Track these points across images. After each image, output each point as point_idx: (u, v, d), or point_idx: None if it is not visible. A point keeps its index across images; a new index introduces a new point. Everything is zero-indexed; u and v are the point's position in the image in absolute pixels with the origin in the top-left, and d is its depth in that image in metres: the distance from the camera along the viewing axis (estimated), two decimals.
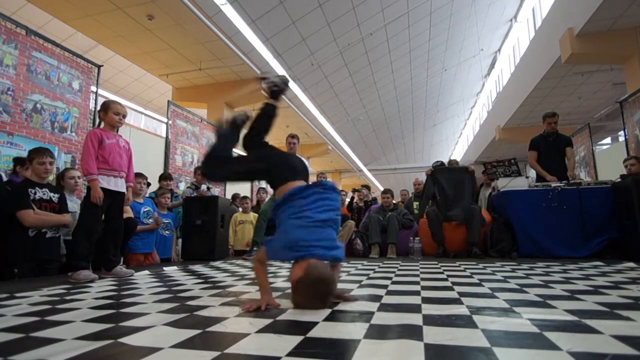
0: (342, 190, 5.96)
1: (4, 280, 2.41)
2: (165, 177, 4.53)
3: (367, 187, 5.80)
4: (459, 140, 24.55)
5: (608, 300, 1.37)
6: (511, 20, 12.01)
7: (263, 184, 8.16)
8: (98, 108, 3.06)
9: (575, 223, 3.56)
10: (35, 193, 2.62)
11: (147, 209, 3.68)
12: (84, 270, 2.28)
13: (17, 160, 3.03)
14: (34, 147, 2.83)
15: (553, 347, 0.84)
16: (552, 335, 0.92)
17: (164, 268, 3.00)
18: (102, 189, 2.43)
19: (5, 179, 3.03)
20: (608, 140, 13.51)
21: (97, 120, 2.66)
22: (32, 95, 3.61)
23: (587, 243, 3.51)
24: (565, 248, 3.52)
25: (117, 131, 2.71)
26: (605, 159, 6.60)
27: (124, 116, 2.63)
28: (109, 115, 2.55)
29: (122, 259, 3.26)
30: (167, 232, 3.96)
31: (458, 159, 7.25)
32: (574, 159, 4.47)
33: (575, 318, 1.10)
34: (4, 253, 2.49)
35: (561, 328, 1.00)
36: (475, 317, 1.12)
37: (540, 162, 4.17)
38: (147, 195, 3.99)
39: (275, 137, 14.10)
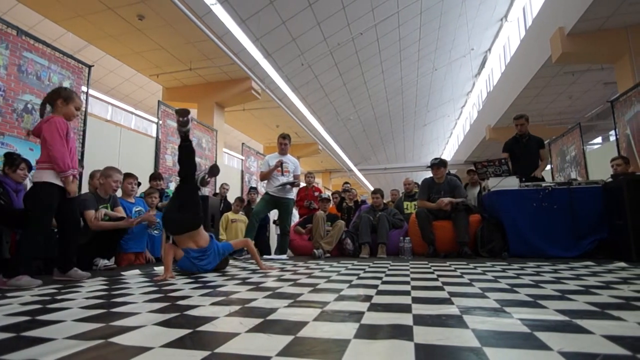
0: (335, 192, 5.99)
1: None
2: (155, 177, 4.51)
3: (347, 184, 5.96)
4: (449, 140, 24.74)
5: (599, 300, 1.37)
6: (502, 20, 12.11)
7: (254, 183, 8.15)
8: (83, 107, 2.97)
9: (566, 223, 3.57)
10: None
11: (138, 209, 3.66)
12: (25, 276, 2.05)
13: (6, 161, 2.99)
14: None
15: (544, 347, 0.83)
16: (542, 335, 0.92)
17: (155, 268, 2.99)
18: (56, 186, 2.23)
19: None
20: (599, 139, 13.65)
21: (48, 107, 2.36)
22: (23, 96, 3.60)
23: (578, 243, 3.51)
24: (556, 248, 3.52)
25: None
26: (596, 159, 6.61)
27: (79, 112, 2.49)
28: (70, 108, 2.34)
29: (113, 258, 3.25)
30: (156, 231, 3.94)
31: (448, 159, 7.30)
32: (547, 161, 4.54)
33: (566, 318, 1.10)
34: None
35: (552, 328, 0.99)
36: (466, 317, 1.12)
37: (513, 164, 4.24)
38: (137, 195, 3.97)
39: (266, 138, 14.19)
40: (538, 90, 9.70)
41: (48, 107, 2.34)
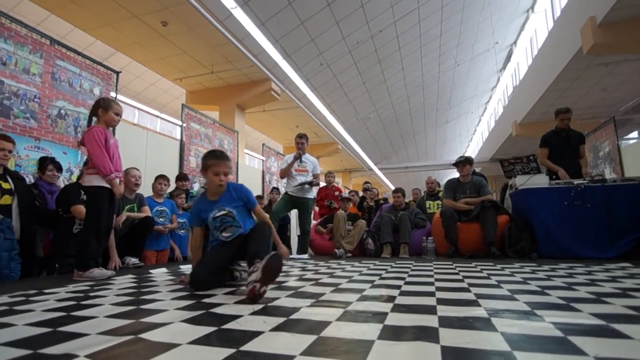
0: (352, 191, 5.96)
1: (48, 275, 2.61)
2: (181, 177, 4.63)
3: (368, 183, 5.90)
4: (472, 137, 24.13)
5: (637, 304, 1.30)
6: (528, 11, 11.67)
7: (275, 183, 8.22)
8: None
9: (600, 222, 3.38)
10: (82, 194, 2.82)
11: (161, 209, 3.77)
12: (97, 269, 2.34)
13: (39, 165, 3.16)
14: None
15: (579, 352, 0.80)
16: (577, 340, 0.87)
17: (181, 266, 3.07)
18: (105, 188, 2.44)
19: (32, 181, 3.18)
20: (635, 134, 12.93)
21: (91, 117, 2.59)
22: (56, 102, 3.77)
23: (613, 243, 3.32)
24: (589, 249, 3.35)
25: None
26: (632, 154, 6.22)
27: (121, 116, 2.63)
28: (109, 114, 2.52)
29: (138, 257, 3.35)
30: (182, 231, 4.04)
31: (473, 156, 7.11)
32: (587, 157, 4.31)
33: (602, 322, 1.05)
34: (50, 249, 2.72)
35: (587, 332, 0.94)
36: (494, 320, 1.09)
37: (551, 160, 4.02)
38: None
39: (285, 138, 14.29)
40: (569, 84, 9.29)
41: (94, 119, 2.55)
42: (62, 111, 3.81)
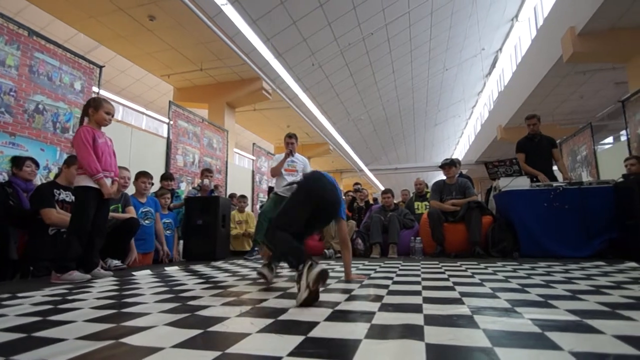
0: (348, 191, 5.98)
1: (21, 278, 2.51)
2: (166, 177, 4.54)
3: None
4: (460, 140, 24.54)
5: (610, 300, 1.37)
6: (512, 20, 11.98)
7: (265, 183, 8.17)
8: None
9: (577, 223, 3.55)
10: (59, 194, 2.74)
11: (146, 210, 3.68)
12: (76, 271, 2.28)
13: (13, 161, 3.02)
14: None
15: (555, 347, 0.84)
16: (554, 336, 0.92)
17: (165, 268, 3.01)
18: (93, 189, 2.40)
19: (5, 179, 3.03)
20: (610, 139, 13.45)
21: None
22: (34, 96, 3.61)
23: (589, 243, 3.49)
24: (567, 248, 3.50)
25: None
26: (607, 159, 6.52)
27: (113, 116, 2.60)
28: (100, 113, 2.49)
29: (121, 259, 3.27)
30: (167, 231, 3.98)
31: (460, 158, 7.23)
32: (563, 161, 4.49)
33: (577, 318, 1.10)
34: (24, 252, 2.60)
35: (563, 328, 0.99)
36: (477, 317, 1.12)
37: (527, 164, 4.21)
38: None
39: (277, 138, 14.23)
40: (549, 90, 9.60)
41: (86, 120, 2.52)
42: (40, 106, 3.64)
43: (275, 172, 4.31)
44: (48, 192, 2.74)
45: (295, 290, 1.69)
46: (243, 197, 5.60)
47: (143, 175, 3.72)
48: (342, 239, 2.12)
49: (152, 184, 3.90)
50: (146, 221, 3.62)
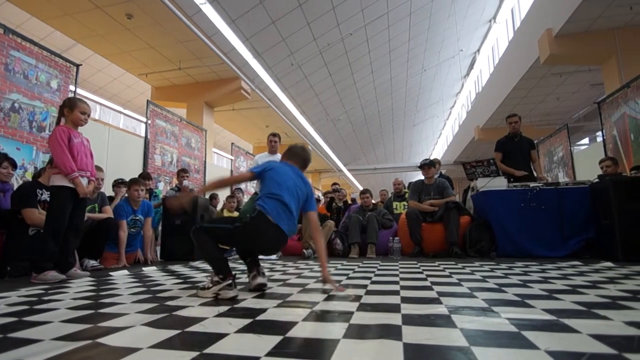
0: (327, 192, 6.01)
1: None
2: (143, 177, 4.45)
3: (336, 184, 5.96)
4: (438, 141, 24.91)
5: (586, 300, 1.39)
6: (490, 21, 12.21)
7: (242, 185, 8.11)
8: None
9: (553, 223, 3.59)
10: (42, 194, 2.71)
11: (137, 218, 3.63)
12: (51, 271, 2.26)
13: None
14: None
15: (531, 346, 0.84)
16: (530, 335, 0.92)
17: (143, 268, 2.97)
18: (68, 188, 2.39)
19: None
20: (586, 140, 13.81)
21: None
22: (10, 95, 3.54)
23: (565, 243, 3.54)
24: (543, 248, 3.55)
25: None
26: (583, 160, 6.64)
27: (89, 115, 2.59)
28: (75, 113, 2.48)
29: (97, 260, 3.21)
30: (133, 229, 3.74)
31: (439, 158, 7.38)
32: (539, 162, 4.55)
33: (553, 317, 1.11)
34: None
35: (539, 327, 1.00)
36: (454, 317, 1.13)
37: (506, 163, 4.29)
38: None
39: (255, 138, 14.15)
40: (526, 92, 9.83)
41: (62, 120, 2.51)
42: (15, 104, 3.59)
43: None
44: (30, 191, 2.70)
45: (269, 290, 1.70)
46: (231, 197, 5.58)
47: (135, 184, 3.60)
48: (313, 228, 1.93)
49: (144, 190, 3.73)
50: (132, 229, 3.57)
